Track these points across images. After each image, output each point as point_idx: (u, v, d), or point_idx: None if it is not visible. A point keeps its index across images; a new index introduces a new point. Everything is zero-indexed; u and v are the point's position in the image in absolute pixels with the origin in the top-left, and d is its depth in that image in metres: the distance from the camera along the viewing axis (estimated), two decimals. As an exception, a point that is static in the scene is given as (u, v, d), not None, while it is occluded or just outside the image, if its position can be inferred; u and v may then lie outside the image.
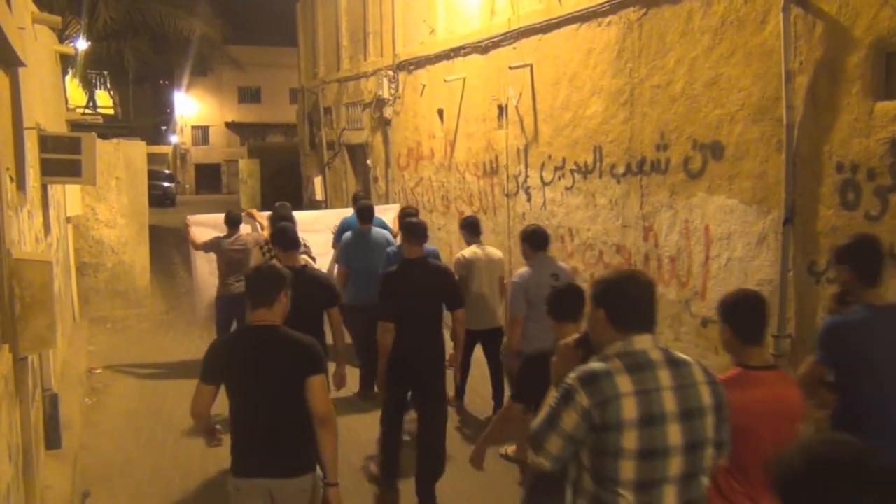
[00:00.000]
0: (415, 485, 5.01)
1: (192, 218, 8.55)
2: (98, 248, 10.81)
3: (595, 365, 2.42)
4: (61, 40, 11.76)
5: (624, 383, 2.34)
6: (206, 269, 8.30)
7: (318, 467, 3.46)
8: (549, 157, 7.77)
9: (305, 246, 6.85)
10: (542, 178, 7.93)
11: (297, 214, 7.82)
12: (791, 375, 3.41)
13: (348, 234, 7.26)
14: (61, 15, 9.57)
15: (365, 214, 7.24)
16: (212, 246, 7.77)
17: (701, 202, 5.86)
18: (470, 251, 6.50)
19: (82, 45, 16.74)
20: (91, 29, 16.71)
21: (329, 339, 5.09)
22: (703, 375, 2.47)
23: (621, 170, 6.74)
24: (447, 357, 5.39)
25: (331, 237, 7.95)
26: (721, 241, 5.67)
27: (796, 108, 5.00)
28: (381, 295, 5.01)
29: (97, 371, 8.12)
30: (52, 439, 5.53)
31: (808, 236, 4.97)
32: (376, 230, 7.29)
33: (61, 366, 7.50)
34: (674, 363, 2.45)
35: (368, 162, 12.81)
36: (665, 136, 6.20)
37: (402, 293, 4.96)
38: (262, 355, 3.33)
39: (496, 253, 6.66)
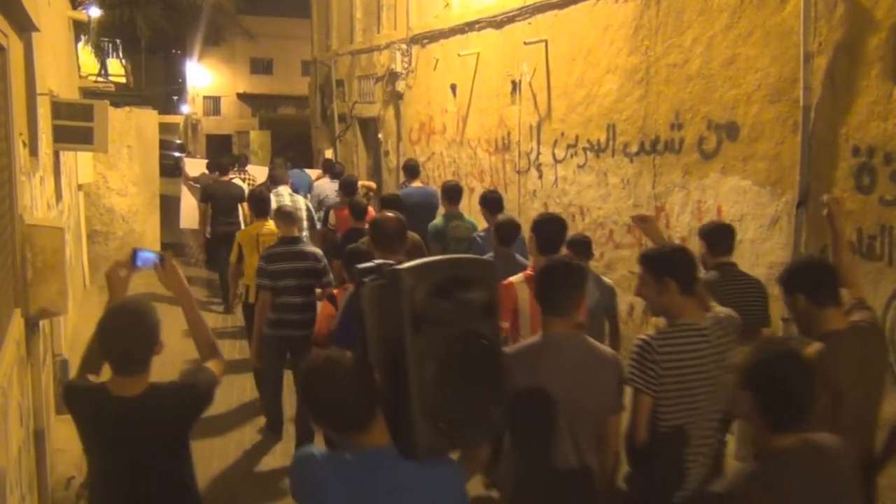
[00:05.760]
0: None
1: (187, 160, 13.51)
2: (109, 217, 10.84)
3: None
4: (74, 7, 11.69)
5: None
6: (189, 197, 10.83)
7: None
8: (562, 134, 7.72)
9: (252, 176, 10.63)
10: (554, 155, 7.88)
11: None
12: None
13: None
14: (74, -19, 9.52)
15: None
16: (197, 181, 10.72)
17: (714, 183, 5.82)
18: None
19: (95, 12, 16.68)
20: (104, -4, 16.63)
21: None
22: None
23: (634, 149, 6.69)
24: None
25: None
26: (733, 223, 5.61)
27: (814, 89, 4.94)
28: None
29: (107, 338, 8.17)
30: (63, 404, 5.58)
31: (821, 219, 4.90)
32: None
33: (72, 332, 7.56)
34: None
35: (380, 136, 12.76)
36: (680, 116, 6.14)
37: None
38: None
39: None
